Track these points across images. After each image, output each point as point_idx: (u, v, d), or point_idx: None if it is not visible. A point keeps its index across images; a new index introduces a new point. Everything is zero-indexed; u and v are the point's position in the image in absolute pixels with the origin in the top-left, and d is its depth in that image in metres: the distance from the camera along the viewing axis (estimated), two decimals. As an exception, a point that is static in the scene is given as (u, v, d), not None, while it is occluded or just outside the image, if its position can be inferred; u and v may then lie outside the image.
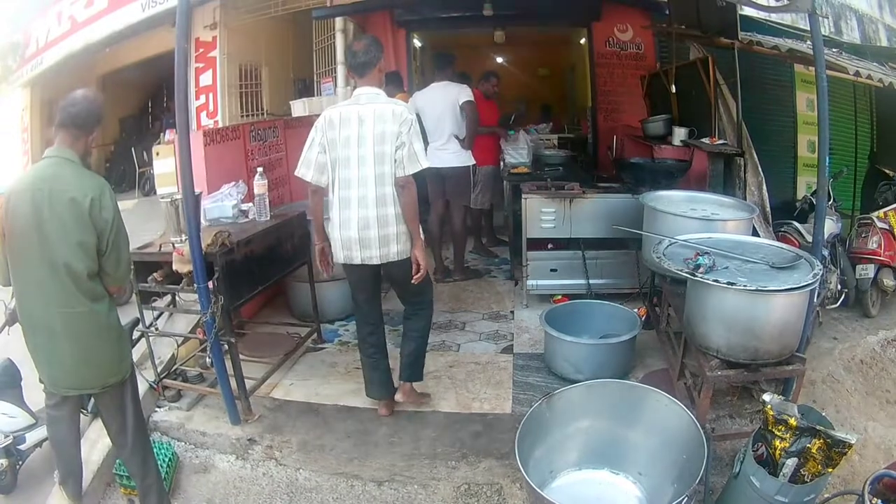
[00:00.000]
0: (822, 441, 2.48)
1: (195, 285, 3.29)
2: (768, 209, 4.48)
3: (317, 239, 3.50)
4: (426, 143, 4.56)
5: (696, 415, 2.91)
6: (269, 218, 4.15)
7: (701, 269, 2.93)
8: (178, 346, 4.03)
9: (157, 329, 3.86)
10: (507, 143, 6.23)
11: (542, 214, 4.80)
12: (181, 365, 3.96)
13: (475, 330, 4.79)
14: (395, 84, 6.07)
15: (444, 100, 5.35)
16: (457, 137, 5.42)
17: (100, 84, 9.81)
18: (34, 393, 2.85)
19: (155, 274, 3.54)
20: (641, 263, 4.55)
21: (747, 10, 4.68)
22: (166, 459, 3.25)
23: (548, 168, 5.91)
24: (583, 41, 8.63)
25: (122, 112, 11.27)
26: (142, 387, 3.63)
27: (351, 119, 3.19)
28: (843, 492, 2.78)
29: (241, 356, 3.71)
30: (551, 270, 5.00)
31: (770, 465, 2.57)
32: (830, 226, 4.58)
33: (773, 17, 5.21)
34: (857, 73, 4.46)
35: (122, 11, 6.25)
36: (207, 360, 3.80)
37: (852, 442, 2.46)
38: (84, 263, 2.47)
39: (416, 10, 7.63)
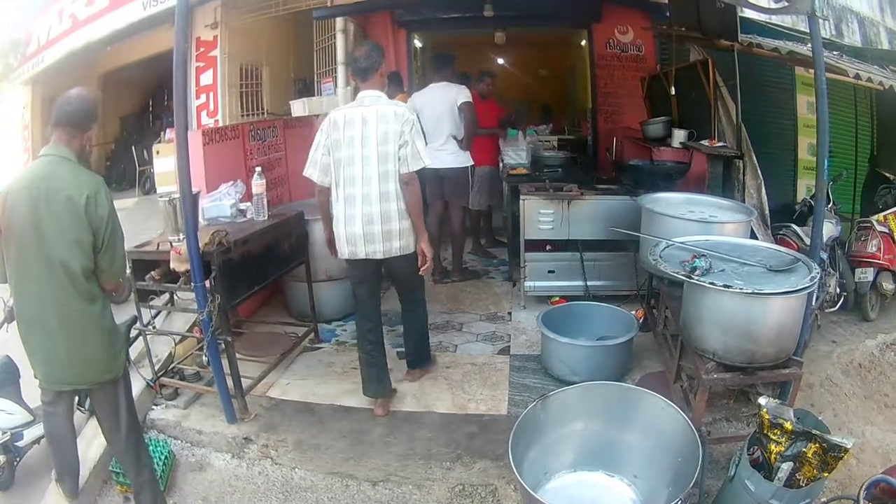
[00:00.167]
0: (817, 445, 2.48)
1: (192, 284, 3.30)
2: (767, 212, 4.47)
3: (325, 229, 3.69)
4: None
5: (692, 418, 2.90)
6: (266, 217, 4.15)
7: (697, 272, 2.92)
8: (176, 344, 4.03)
9: (154, 327, 3.86)
10: (507, 143, 6.23)
11: (540, 216, 4.80)
12: (178, 363, 3.96)
13: (472, 331, 4.79)
14: (395, 84, 6.08)
15: (443, 100, 5.35)
16: (455, 138, 5.41)
17: (101, 82, 9.83)
18: (32, 390, 2.86)
19: (153, 272, 3.54)
20: (639, 265, 4.54)
21: (748, 13, 4.67)
22: (162, 457, 3.26)
23: (547, 169, 5.89)
24: (583, 43, 8.62)
25: (123, 111, 11.26)
26: (139, 385, 3.68)
27: (355, 120, 3.35)
28: (838, 497, 2.78)
29: (238, 355, 3.72)
30: (549, 272, 5.00)
31: (765, 469, 2.57)
32: (830, 229, 4.57)
33: (774, 19, 5.20)
34: (858, 76, 4.45)
35: (123, 10, 6.26)
36: (204, 358, 3.81)
37: (848, 446, 2.45)
38: (80, 261, 2.49)
39: (417, 11, 7.63)
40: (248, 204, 4.21)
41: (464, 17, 7.71)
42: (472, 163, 5.63)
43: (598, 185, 5.25)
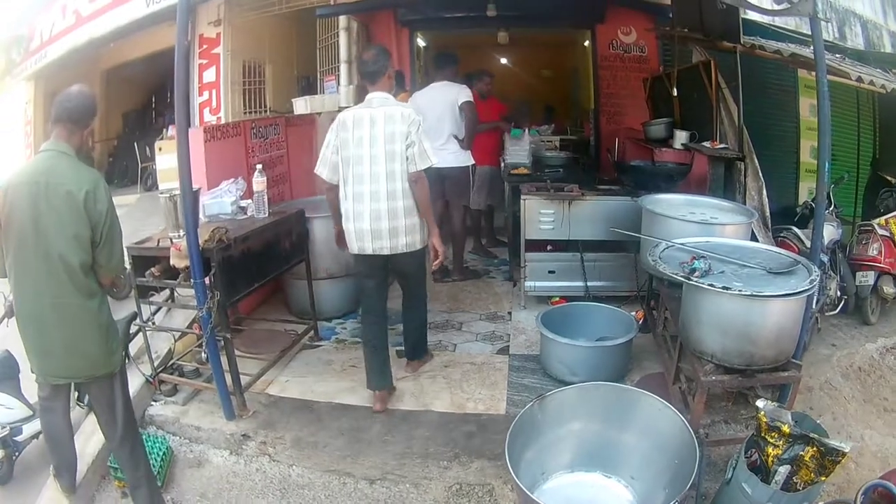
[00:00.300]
0: (815, 449, 2.47)
1: (192, 281, 3.30)
2: (768, 214, 4.46)
3: (334, 224, 3.81)
4: None
5: (690, 419, 2.90)
6: (267, 215, 4.16)
7: (696, 273, 2.91)
8: (176, 340, 4.05)
9: (153, 324, 3.88)
10: (510, 142, 6.22)
11: (540, 216, 4.79)
12: (178, 360, 3.97)
13: (472, 330, 4.79)
14: (398, 83, 6.06)
15: (444, 100, 5.35)
16: (456, 137, 5.41)
17: (104, 78, 9.86)
18: (32, 385, 2.87)
19: (153, 269, 3.55)
20: (640, 266, 4.53)
21: (751, 15, 4.67)
22: (161, 453, 3.27)
23: (548, 170, 5.90)
24: (586, 43, 8.59)
25: (126, 107, 11.28)
26: (138, 381, 3.69)
27: (363, 121, 3.49)
28: (836, 501, 2.79)
29: (237, 352, 3.74)
30: (549, 272, 4.99)
31: (763, 472, 2.56)
32: (831, 232, 4.56)
33: (777, 21, 5.21)
34: (860, 79, 4.44)
35: (126, 7, 6.27)
36: (203, 355, 3.80)
37: (846, 450, 2.44)
38: (78, 256, 2.52)
39: (420, 10, 7.61)
40: (249, 201, 4.22)
41: (467, 17, 7.68)
42: (473, 162, 5.63)
43: (599, 185, 5.24)
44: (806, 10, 3.11)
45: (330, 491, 3.17)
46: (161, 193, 3.65)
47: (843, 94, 5.98)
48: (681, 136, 5.52)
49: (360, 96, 6.54)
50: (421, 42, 8.96)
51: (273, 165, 5.48)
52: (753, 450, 2.63)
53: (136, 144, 10.12)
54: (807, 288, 2.80)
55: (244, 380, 3.71)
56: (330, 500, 3.13)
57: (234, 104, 6.40)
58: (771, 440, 2.54)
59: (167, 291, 3.79)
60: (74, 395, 3.22)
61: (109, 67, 9.61)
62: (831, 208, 4.83)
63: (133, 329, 3.87)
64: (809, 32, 3.31)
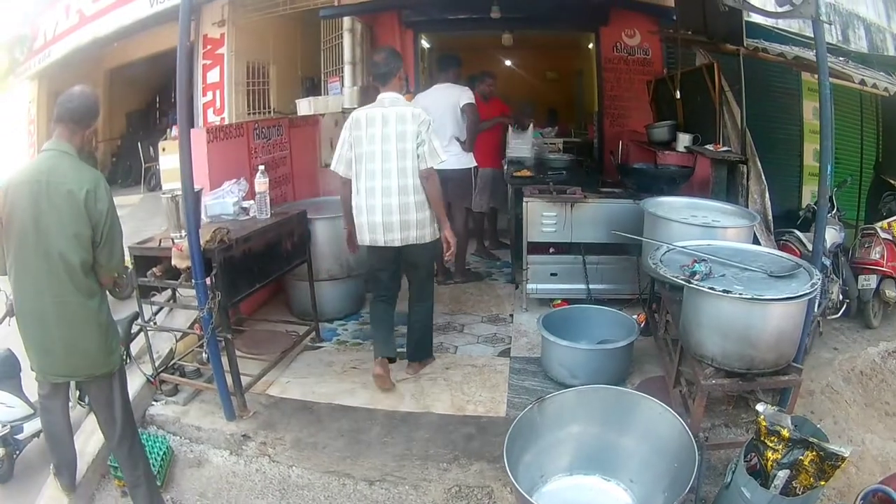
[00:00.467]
0: (814, 454, 2.46)
1: (193, 281, 3.31)
2: (770, 217, 4.45)
3: (345, 224, 3.94)
4: None
5: (690, 423, 2.90)
6: (269, 216, 4.16)
7: (697, 277, 2.91)
8: (177, 341, 4.05)
9: (155, 323, 3.88)
10: (512, 135, 6.22)
11: (543, 218, 4.79)
12: (179, 360, 3.96)
13: (473, 332, 4.79)
14: (401, 85, 6.07)
15: (446, 102, 5.34)
16: (458, 139, 5.41)
17: (107, 78, 9.89)
18: (33, 383, 2.87)
19: (154, 269, 3.56)
20: (642, 269, 4.53)
21: (754, 17, 4.67)
22: (161, 453, 3.28)
23: (551, 172, 5.90)
24: (590, 46, 8.60)
25: (130, 107, 11.31)
26: (139, 380, 3.70)
27: (376, 119, 3.65)
28: (835, 505, 2.77)
29: (238, 353, 3.74)
30: (551, 274, 4.99)
31: (762, 476, 2.55)
32: (833, 235, 4.55)
33: (781, 24, 5.19)
34: (863, 82, 4.43)
35: (129, 6, 6.32)
36: (204, 355, 3.82)
37: (846, 455, 2.43)
38: (79, 255, 2.53)
39: (424, 12, 7.63)
40: (252, 202, 4.22)
41: (471, 19, 7.70)
42: (476, 164, 5.63)
43: (602, 188, 5.23)
44: (808, 12, 3.10)
45: (329, 492, 3.17)
46: (163, 194, 3.66)
47: (846, 97, 5.97)
48: (684, 139, 5.51)
49: (364, 97, 6.59)
50: (425, 44, 8.97)
51: (276, 166, 5.48)
52: (753, 454, 2.62)
53: (139, 144, 10.14)
54: (808, 291, 2.80)
55: (245, 380, 3.71)
56: (329, 502, 3.12)
57: (237, 105, 6.44)
58: (770, 444, 2.54)
59: (169, 291, 3.80)
60: (76, 394, 3.25)
61: (113, 67, 9.65)
62: (834, 212, 4.82)
63: (135, 329, 3.90)
64: (813, 35, 3.31)
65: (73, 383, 3.00)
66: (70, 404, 3.02)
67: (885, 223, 4.97)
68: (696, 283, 2.88)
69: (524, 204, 4.85)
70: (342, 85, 6.81)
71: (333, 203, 5.15)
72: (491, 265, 6.48)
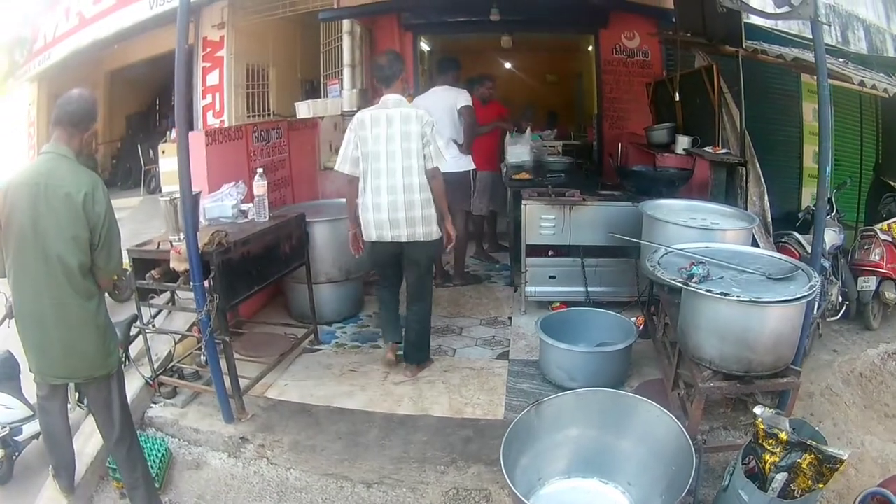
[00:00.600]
0: (812, 456, 2.45)
1: (191, 283, 3.31)
2: (769, 219, 4.44)
3: (350, 225, 4.03)
4: None
5: (688, 426, 2.89)
6: (267, 219, 4.16)
7: (695, 279, 2.91)
8: (176, 343, 4.05)
9: (154, 326, 3.88)
10: (510, 140, 6.22)
11: (541, 221, 4.79)
12: (178, 362, 3.97)
13: (472, 335, 4.78)
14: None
15: (443, 105, 5.33)
16: (456, 142, 5.41)
17: (107, 80, 9.91)
18: (33, 385, 2.88)
19: (153, 271, 3.56)
20: (641, 272, 4.52)
21: (753, 19, 4.67)
22: (159, 455, 3.28)
23: (550, 175, 5.89)
24: (590, 48, 8.61)
25: (130, 109, 11.33)
26: (138, 383, 3.69)
27: (381, 120, 3.77)
28: (834, 508, 2.77)
29: (237, 355, 3.74)
30: (550, 277, 4.98)
31: (760, 479, 2.54)
32: (833, 237, 4.55)
33: (781, 25, 5.19)
34: (862, 83, 4.43)
35: (129, 9, 6.33)
36: (202, 358, 3.82)
37: (844, 458, 2.43)
38: (77, 257, 2.55)
39: (424, 14, 7.64)
40: (250, 205, 4.22)
41: (470, 21, 7.72)
42: (474, 166, 5.62)
43: (601, 190, 5.23)
44: (807, 13, 3.10)
45: (327, 494, 3.16)
46: (162, 196, 3.67)
47: (846, 98, 5.96)
48: (683, 141, 5.51)
49: (364, 99, 6.60)
50: (425, 46, 8.98)
51: (275, 169, 5.48)
52: (751, 457, 2.61)
53: (139, 147, 10.15)
54: (806, 294, 2.80)
55: (243, 383, 3.71)
56: (327, 504, 3.13)
57: (237, 107, 6.45)
58: (768, 447, 2.53)
59: (168, 294, 3.81)
60: (75, 396, 3.25)
61: (113, 69, 9.67)
62: (833, 213, 4.82)
63: (133, 331, 3.89)
64: (812, 36, 3.30)
65: (72, 385, 3.01)
66: (69, 406, 3.03)
67: (884, 225, 4.97)
68: (693, 285, 2.87)
69: (523, 207, 4.85)
70: (341, 87, 6.83)
71: (332, 206, 5.18)
72: (490, 268, 6.47)
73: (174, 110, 3.33)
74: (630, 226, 4.32)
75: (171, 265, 3.41)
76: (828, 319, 4.60)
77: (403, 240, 3.85)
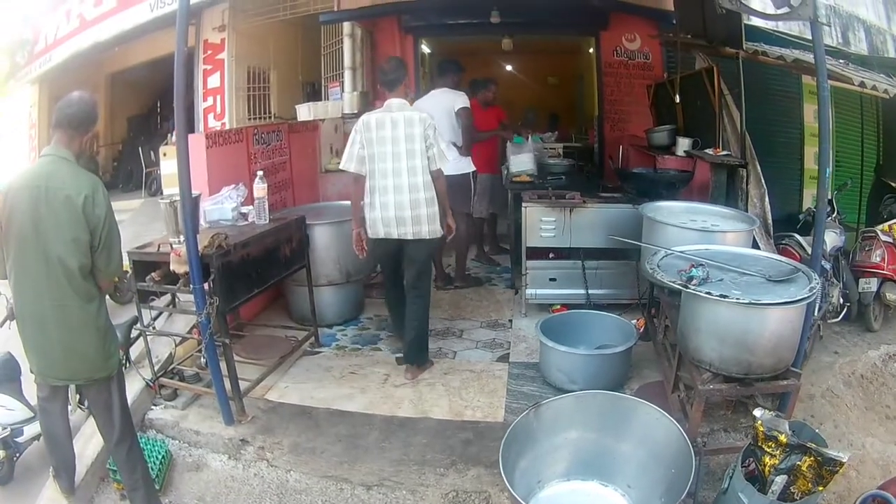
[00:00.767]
0: (812, 459, 2.45)
1: (191, 286, 3.32)
2: (770, 221, 4.44)
3: (354, 225, 4.12)
4: None
5: (688, 428, 2.89)
6: (267, 221, 4.17)
7: (694, 281, 2.90)
8: (176, 345, 4.06)
9: (154, 328, 3.89)
10: (512, 150, 6.21)
11: (542, 223, 4.79)
12: (179, 364, 3.98)
13: (472, 338, 4.78)
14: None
15: (440, 107, 5.31)
16: (455, 145, 5.41)
17: (108, 82, 9.92)
18: (34, 387, 2.89)
19: (153, 274, 3.57)
20: (641, 274, 4.51)
21: (754, 21, 4.65)
22: (160, 457, 3.29)
23: (551, 177, 5.89)
24: (591, 50, 8.61)
25: (131, 111, 11.33)
26: (138, 385, 3.70)
27: (385, 123, 3.92)
28: (834, 510, 2.76)
29: (238, 357, 3.76)
30: (550, 280, 4.98)
31: (760, 481, 2.54)
32: (833, 238, 4.54)
33: (781, 27, 5.18)
34: (863, 84, 4.42)
35: (130, 11, 6.32)
36: (203, 360, 3.82)
37: (844, 460, 2.42)
38: (77, 259, 2.56)
39: (424, 17, 7.64)
40: (250, 207, 4.23)
41: (471, 24, 7.71)
42: (474, 168, 5.61)
43: (602, 193, 5.23)
44: (806, 14, 3.10)
45: (327, 497, 3.16)
46: (162, 199, 3.67)
47: (846, 99, 5.96)
48: (683, 143, 5.50)
49: (365, 102, 6.60)
50: (425, 49, 8.98)
51: (275, 172, 5.49)
52: (751, 459, 2.61)
53: (140, 149, 10.14)
54: (806, 296, 2.79)
55: (244, 385, 3.72)
56: (326, 506, 3.13)
57: (238, 110, 6.43)
58: (768, 450, 2.53)
59: (169, 296, 3.81)
60: (76, 397, 3.25)
61: (114, 71, 9.68)
62: (834, 215, 4.82)
63: (134, 333, 3.90)
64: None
65: (72, 387, 3.02)
66: (70, 408, 3.05)
67: (885, 226, 4.96)
68: (693, 287, 2.87)
69: (523, 209, 4.85)
70: (342, 90, 6.82)
71: (333, 208, 5.19)
72: (491, 270, 6.47)
73: (174, 113, 3.34)
74: (630, 228, 4.32)
75: (171, 267, 3.42)
76: (829, 321, 4.59)
77: (409, 237, 3.99)
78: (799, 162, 6.43)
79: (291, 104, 6.91)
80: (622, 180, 5.46)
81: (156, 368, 3.82)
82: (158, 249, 3.58)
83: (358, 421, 3.65)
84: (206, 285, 3.33)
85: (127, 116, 11.29)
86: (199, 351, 3.87)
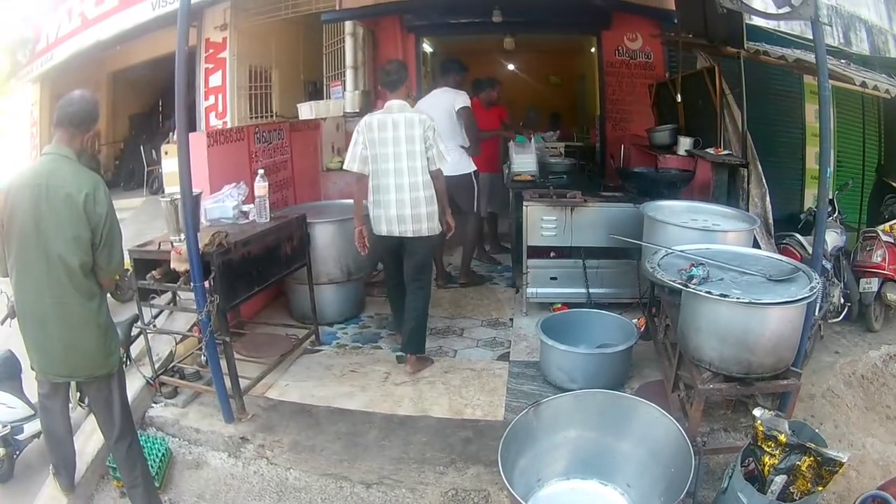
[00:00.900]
0: (812, 459, 2.45)
1: (192, 284, 3.32)
2: (771, 221, 4.43)
3: (357, 222, 4.19)
4: None
5: (688, 427, 2.88)
6: (268, 220, 4.17)
7: (694, 281, 2.90)
8: (177, 343, 4.06)
9: (154, 326, 3.89)
10: (515, 150, 6.21)
11: (543, 222, 4.79)
12: (179, 362, 3.98)
13: (473, 336, 4.78)
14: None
15: (442, 106, 5.32)
16: (462, 147, 5.42)
17: (110, 81, 9.92)
18: (34, 385, 2.90)
19: (154, 272, 3.57)
20: (642, 273, 4.51)
21: (755, 20, 4.65)
22: (160, 454, 3.29)
23: (552, 176, 5.87)
24: (593, 49, 8.60)
25: (133, 110, 11.33)
26: (139, 383, 3.71)
27: (387, 124, 4.02)
28: (833, 510, 2.76)
29: (238, 356, 3.76)
30: (551, 278, 4.98)
31: (759, 481, 2.53)
32: (834, 238, 4.53)
33: (783, 27, 5.18)
34: (864, 84, 4.41)
35: (132, 10, 6.32)
36: (203, 358, 3.83)
37: (843, 460, 2.42)
38: (78, 257, 2.56)
39: (426, 16, 7.64)
40: (251, 206, 4.23)
41: (473, 23, 7.72)
42: (475, 168, 5.61)
43: (603, 192, 5.23)
44: (807, 13, 3.09)
45: (326, 494, 3.17)
46: (163, 197, 3.68)
47: (848, 100, 5.95)
48: (685, 143, 5.50)
49: (366, 101, 6.61)
50: (427, 48, 8.97)
51: (276, 170, 5.49)
52: (750, 459, 2.61)
53: (142, 147, 10.15)
54: (806, 295, 2.78)
55: (244, 383, 3.72)
56: (326, 504, 3.13)
57: (240, 108, 6.45)
58: (767, 449, 2.52)
59: (169, 294, 3.82)
60: (76, 395, 3.26)
61: (116, 70, 9.68)
62: (835, 215, 4.81)
63: (134, 331, 3.91)
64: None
65: (73, 384, 3.02)
66: (70, 405, 3.04)
67: (886, 226, 4.94)
68: (693, 286, 2.87)
69: (524, 208, 4.85)
70: (344, 89, 6.84)
71: (334, 207, 5.19)
72: (492, 269, 6.46)
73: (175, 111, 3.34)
74: (631, 227, 4.32)
75: (172, 265, 3.42)
76: (829, 321, 4.58)
77: (409, 235, 4.08)
78: (800, 162, 6.43)
79: (293, 103, 6.93)
80: (623, 179, 5.46)
81: (156, 366, 3.82)
82: (159, 247, 3.59)
83: (358, 419, 3.66)
84: (206, 283, 3.33)
85: (129, 115, 11.29)
86: (200, 349, 3.88)
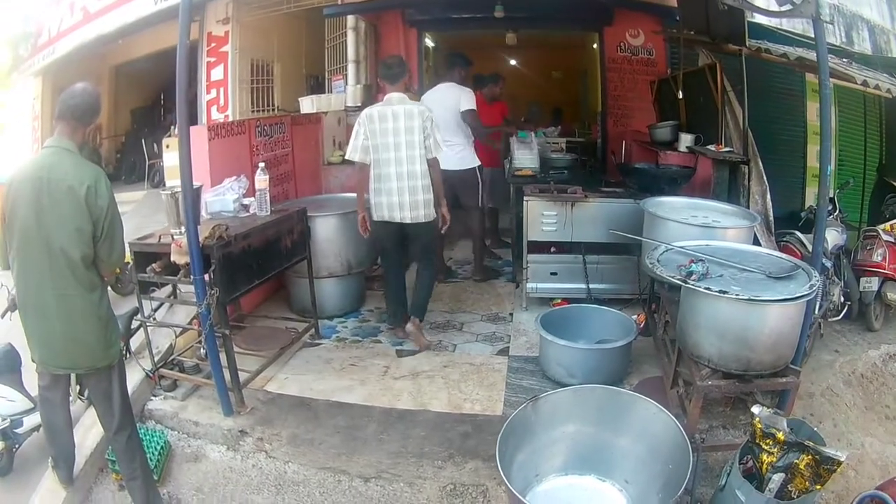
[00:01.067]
0: (810, 457, 2.45)
1: (192, 277, 3.32)
2: (771, 218, 4.43)
3: (360, 209, 4.37)
4: None
5: (687, 424, 2.89)
6: (269, 213, 4.16)
7: (694, 277, 2.90)
8: (177, 336, 4.07)
9: (154, 319, 3.89)
10: (517, 144, 6.20)
11: (543, 217, 4.78)
12: (179, 355, 3.99)
13: (472, 331, 4.79)
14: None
15: (446, 102, 5.31)
16: (466, 141, 5.45)
17: (112, 75, 9.91)
18: (34, 378, 2.90)
19: (154, 265, 3.57)
20: (642, 269, 4.50)
21: (757, 18, 4.64)
22: (158, 447, 3.30)
23: (553, 171, 5.88)
24: (595, 45, 8.59)
25: (135, 104, 11.34)
26: (138, 375, 3.71)
27: (387, 115, 4.19)
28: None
29: (238, 349, 3.76)
30: (552, 274, 4.98)
31: (757, 479, 2.54)
32: (835, 237, 4.53)
33: (785, 25, 5.16)
34: (865, 83, 4.41)
35: (134, 4, 6.30)
36: (203, 351, 3.83)
37: (841, 459, 2.42)
38: (79, 249, 2.57)
39: (428, 10, 7.62)
40: (252, 199, 4.23)
41: (475, 18, 7.70)
42: (479, 163, 5.60)
43: (604, 187, 5.22)
44: (809, 11, 3.08)
45: (324, 488, 3.18)
46: (163, 190, 3.68)
47: (850, 99, 5.95)
48: (686, 139, 5.50)
49: (368, 95, 6.60)
50: (429, 42, 8.96)
51: (278, 164, 5.49)
52: (748, 456, 2.61)
53: (143, 141, 10.16)
54: (805, 293, 2.79)
55: (243, 376, 3.72)
56: (324, 498, 3.13)
57: (241, 102, 6.44)
58: (766, 447, 2.53)
59: (170, 287, 3.81)
60: (76, 388, 3.26)
61: (118, 64, 9.68)
62: (836, 213, 4.80)
63: (134, 324, 3.92)
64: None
65: (73, 377, 3.03)
66: (70, 398, 3.04)
67: (887, 225, 4.94)
68: (692, 283, 2.87)
69: (525, 203, 4.84)
70: (346, 83, 6.83)
71: (335, 201, 5.19)
72: (492, 264, 6.45)
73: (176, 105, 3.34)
74: (632, 223, 4.31)
75: (172, 258, 3.42)
76: (829, 320, 4.58)
77: (408, 221, 4.28)
78: (802, 160, 6.43)
79: (295, 97, 6.93)
80: (624, 175, 5.45)
81: (156, 359, 3.83)
82: (159, 240, 3.59)
83: (357, 413, 3.66)
84: (206, 276, 3.33)
85: (130, 108, 11.29)
86: (200, 342, 3.88)
